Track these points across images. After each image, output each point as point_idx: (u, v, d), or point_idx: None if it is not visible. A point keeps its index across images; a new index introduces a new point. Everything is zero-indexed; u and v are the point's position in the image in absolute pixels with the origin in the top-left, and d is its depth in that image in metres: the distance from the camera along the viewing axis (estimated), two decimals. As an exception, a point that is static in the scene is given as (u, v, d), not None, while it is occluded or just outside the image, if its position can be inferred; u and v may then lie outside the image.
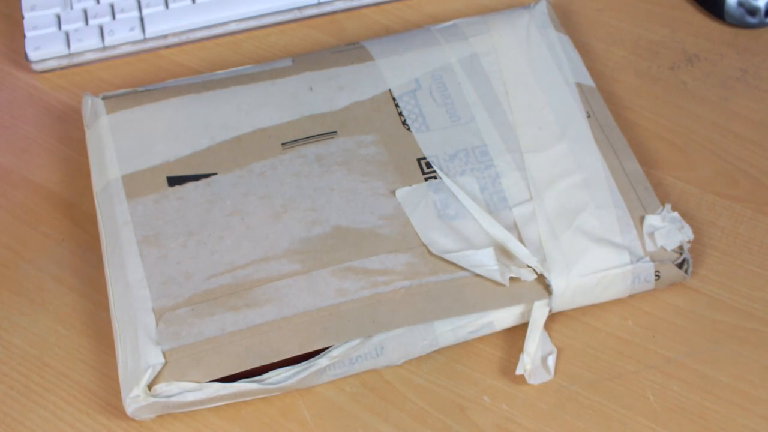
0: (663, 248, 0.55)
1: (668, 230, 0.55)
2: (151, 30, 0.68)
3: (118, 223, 0.56)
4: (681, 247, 0.56)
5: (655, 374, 0.54)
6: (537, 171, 0.58)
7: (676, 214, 0.56)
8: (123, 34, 0.68)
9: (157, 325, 0.52)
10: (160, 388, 0.50)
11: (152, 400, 0.50)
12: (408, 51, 0.63)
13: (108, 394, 0.54)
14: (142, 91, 0.62)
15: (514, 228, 0.55)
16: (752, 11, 0.69)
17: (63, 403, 0.54)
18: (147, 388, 0.50)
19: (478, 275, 0.54)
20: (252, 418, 0.53)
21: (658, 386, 0.53)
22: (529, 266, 0.54)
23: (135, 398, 0.50)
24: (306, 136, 0.59)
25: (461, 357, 0.55)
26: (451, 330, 0.54)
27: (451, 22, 0.66)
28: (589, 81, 0.63)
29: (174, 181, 0.57)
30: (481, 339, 0.55)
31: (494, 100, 0.61)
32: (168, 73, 0.68)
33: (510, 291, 0.54)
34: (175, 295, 0.53)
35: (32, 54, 0.67)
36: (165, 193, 0.57)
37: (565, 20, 0.70)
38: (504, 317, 0.54)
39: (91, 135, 0.60)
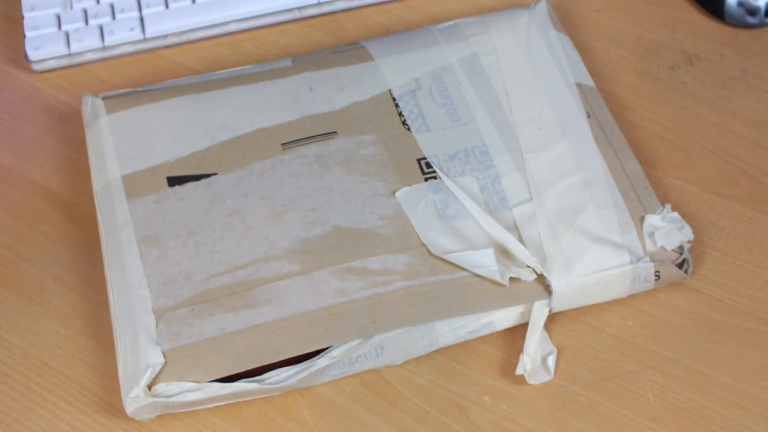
0: (663, 248, 0.55)
1: (668, 230, 0.55)
2: (151, 30, 0.68)
3: (118, 223, 0.56)
4: (681, 247, 0.56)
5: (655, 374, 0.54)
6: (537, 171, 0.58)
7: (676, 214, 0.56)
8: (123, 34, 0.68)
9: (157, 325, 0.52)
10: (160, 388, 0.50)
11: (152, 400, 0.50)
12: (408, 51, 0.63)
13: (108, 394, 0.54)
14: (142, 91, 0.62)
15: (514, 228, 0.55)
16: (752, 11, 0.69)
17: (63, 403, 0.54)
18: (147, 388, 0.50)
19: (478, 275, 0.54)
20: (252, 418, 0.53)
21: (658, 386, 0.54)
22: (529, 266, 0.54)
23: (135, 398, 0.50)
24: (306, 136, 0.59)
25: (461, 357, 0.55)
26: (451, 330, 0.54)
27: (451, 22, 0.66)
28: (589, 81, 0.63)
29: (174, 181, 0.57)
30: (481, 339, 0.55)
31: (494, 100, 0.61)
32: (168, 73, 0.68)
33: (510, 291, 0.54)
34: (175, 295, 0.53)
35: (32, 54, 0.67)
36: (165, 194, 0.57)
37: (565, 20, 0.70)
38: (504, 317, 0.54)
39: (91, 135, 0.60)
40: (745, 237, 0.59)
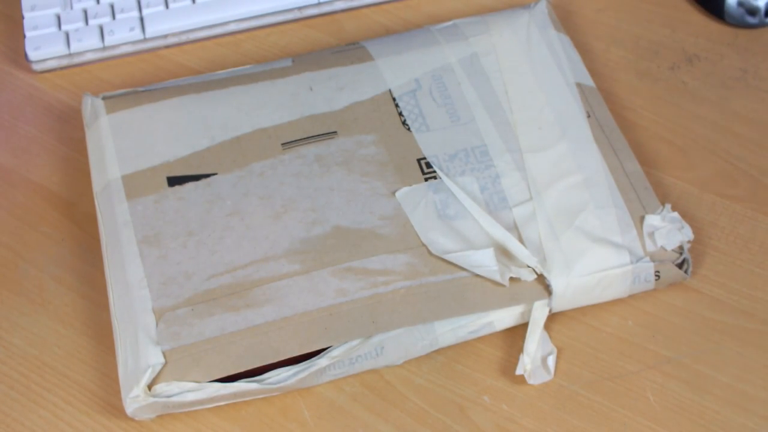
0: (663, 248, 0.55)
1: (668, 230, 0.55)
2: (151, 30, 0.68)
3: (118, 223, 0.56)
4: (681, 247, 0.56)
5: (655, 374, 0.54)
6: (537, 171, 0.58)
7: (676, 214, 0.56)
8: (123, 34, 0.68)
9: (157, 325, 0.52)
10: (160, 388, 0.50)
11: (152, 400, 0.50)
12: (408, 51, 0.63)
13: (108, 394, 0.54)
14: (142, 91, 0.62)
15: (514, 228, 0.55)
16: (752, 11, 0.69)
17: (63, 403, 0.54)
18: (147, 388, 0.50)
19: (478, 275, 0.54)
20: (252, 418, 0.53)
21: (658, 386, 0.54)
22: (529, 266, 0.54)
23: (135, 398, 0.50)
24: (306, 136, 0.59)
25: (461, 357, 0.55)
26: (451, 330, 0.54)
27: (451, 22, 0.66)
28: (589, 81, 0.63)
29: (174, 181, 0.57)
30: (481, 339, 0.55)
31: (494, 100, 0.61)
32: (168, 73, 0.68)
33: (510, 291, 0.54)
34: (175, 295, 0.53)
35: (32, 54, 0.67)
36: (165, 194, 0.57)
37: (565, 20, 0.70)
38: (504, 317, 0.54)
39: (91, 135, 0.60)
40: (745, 237, 0.59)
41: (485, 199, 0.57)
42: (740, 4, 0.69)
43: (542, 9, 0.66)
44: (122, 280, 0.54)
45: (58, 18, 0.69)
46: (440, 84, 0.62)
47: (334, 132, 0.59)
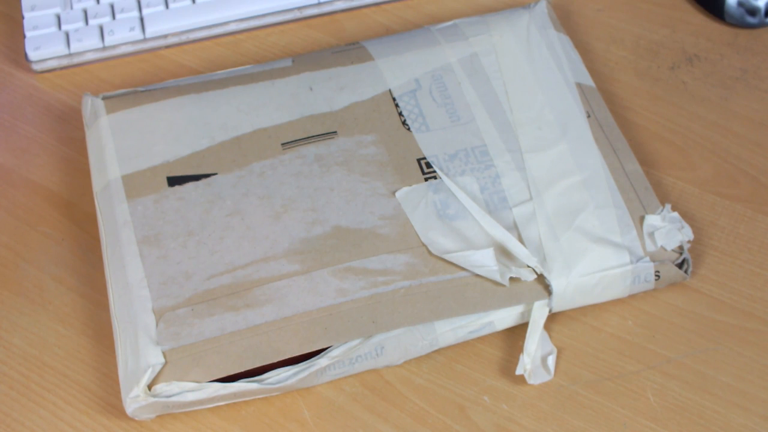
0: (663, 248, 0.55)
1: (668, 230, 0.55)
2: (151, 30, 0.68)
3: (118, 223, 0.56)
4: (681, 247, 0.56)
5: (655, 374, 0.54)
6: (537, 171, 0.58)
7: (676, 214, 0.56)
8: (123, 34, 0.68)
9: (157, 325, 0.52)
10: (160, 388, 0.50)
11: (152, 400, 0.50)
12: (408, 51, 0.63)
13: (108, 394, 0.54)
14: (142, 91, 0.62)
15: (514, 228, 0.56)
16: (752, 11, 0.69)
17: (63, 403, 0.54)
18: (147, 388, 0.50)
19: (478, 275, 0.54)
20: (252, 418, 0.53)
21: (658, 386, 0.54)
22: (529, 266, 0.54)
23: (135, 398, 0.50)
24: (306, 136, 0.59)
25: (461, 357, 0.55)
26: (451, 330, 0.54)
27: (451, 22, 0.66)
28: (589, 81, 0.63)
29: (174, 181, 0.57)
30: (481, 339, 0.55)
31: (494, 100, 0.61)
32: (168, 73, 0.68)
33: (510, 291, 0.54)
34: (175, 295, 0.53)
35: (32, 54, 0.67)
36: (165, 193, 0.57)
37: (565, 20, 0.70)
38: (504, 317, 0.54)
39: (91, 135, 0.60)
40: (745, 237, 0.59)
41: (485, 199, 0.57)
42: (740, 4, 0.69)
43: (542, 9, 0.66)
44: (122, 280, 0.54)
45: (58, 18, 0.69)
46: (440, 84, 0.62)
47: (334, 132, 0.60)
